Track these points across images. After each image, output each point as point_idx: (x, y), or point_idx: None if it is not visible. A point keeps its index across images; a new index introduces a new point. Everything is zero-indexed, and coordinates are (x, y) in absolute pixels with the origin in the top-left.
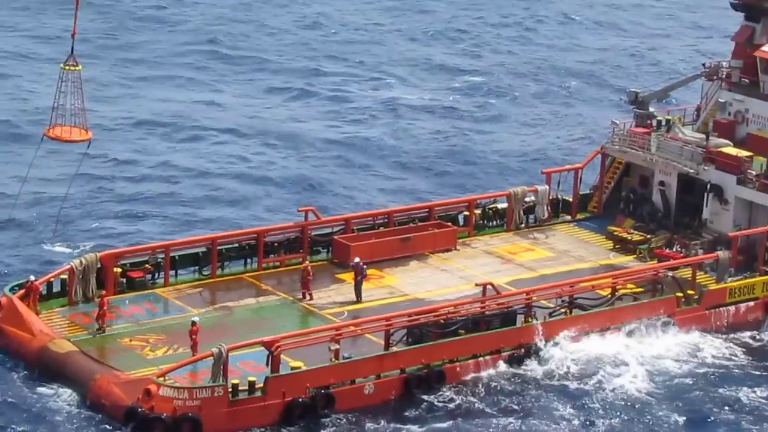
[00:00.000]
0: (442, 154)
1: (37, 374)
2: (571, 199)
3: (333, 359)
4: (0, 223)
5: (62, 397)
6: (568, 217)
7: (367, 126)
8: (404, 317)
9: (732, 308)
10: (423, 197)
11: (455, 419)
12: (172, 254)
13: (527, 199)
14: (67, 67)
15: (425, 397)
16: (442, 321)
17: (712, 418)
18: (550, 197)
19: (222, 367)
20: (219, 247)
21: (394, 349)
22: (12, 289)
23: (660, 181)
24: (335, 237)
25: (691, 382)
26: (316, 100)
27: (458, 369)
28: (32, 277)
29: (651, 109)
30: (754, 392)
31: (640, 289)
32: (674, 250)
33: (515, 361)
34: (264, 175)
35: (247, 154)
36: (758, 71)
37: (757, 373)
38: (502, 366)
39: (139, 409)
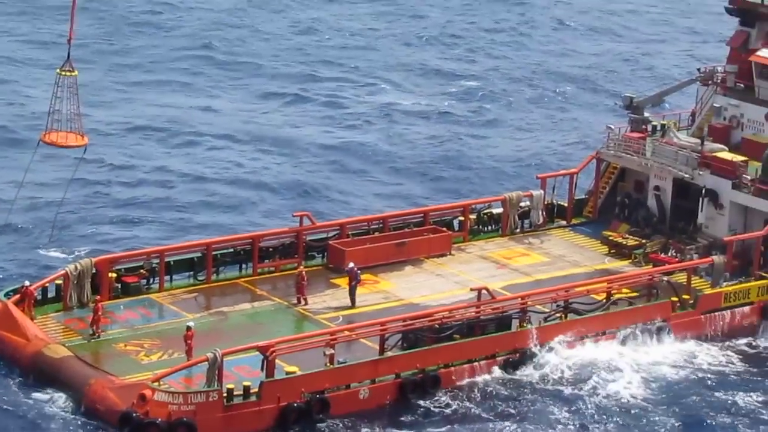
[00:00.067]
0: (437, 159)
1: (31, 379)
2: (566, 204)
3: (328, 364)
4: None
5: (57, 403)
6: (563, 222)
7: (362, 131)
8: (399, 322)
9: (727, 313)
10: (418, 202)
11: (450, 424)
12: (167, 259)
13: (522, 204)
14: (63, 73)
15: (420, 402)
16: (437, 326)
17: (708, 422)
18: (545, 202)
19: (217, 371)
20: (214, 253)
21: (389, 354)
22: (7, 294)
23: (655, 185)
24: (330, 242)
25: (686, 387)
26: (311, 105)
27: (453, 374)
28: (27, 282)
29: (646, 114)
30: (750, 396)
31: (635, 294)
32: (669, 254)
33: (510, 365)
34: (259, 181)
35: (242, 159)
36: (753, 76)
37: (753, 377)
38: (497, 371)
39: (134, 414)
